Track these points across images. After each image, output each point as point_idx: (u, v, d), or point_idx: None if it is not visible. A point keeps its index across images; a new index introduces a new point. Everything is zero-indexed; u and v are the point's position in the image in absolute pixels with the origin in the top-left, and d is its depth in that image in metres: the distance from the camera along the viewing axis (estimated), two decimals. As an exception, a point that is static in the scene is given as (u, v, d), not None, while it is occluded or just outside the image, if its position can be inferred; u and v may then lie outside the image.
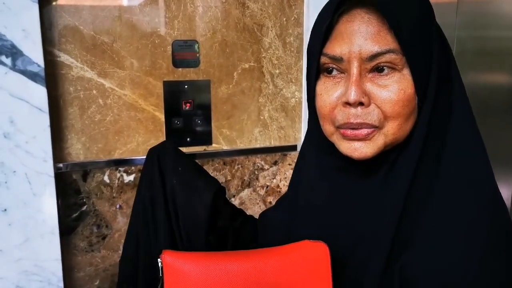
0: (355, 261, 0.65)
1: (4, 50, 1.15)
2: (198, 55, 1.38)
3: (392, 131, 0.61)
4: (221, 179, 1.47)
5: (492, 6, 2.01)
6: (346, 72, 0.62)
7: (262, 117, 1.48)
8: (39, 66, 1.19)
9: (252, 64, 1.44)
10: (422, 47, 0.61)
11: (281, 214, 0.81)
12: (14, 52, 1.16)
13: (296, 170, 0.82)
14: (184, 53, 1.37)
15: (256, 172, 1.51)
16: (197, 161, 1.42)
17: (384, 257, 0.61)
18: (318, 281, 0.61)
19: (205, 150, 1.44)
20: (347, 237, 0.67)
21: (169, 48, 1.35)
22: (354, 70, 0.60)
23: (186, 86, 1.38)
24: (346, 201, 0.68)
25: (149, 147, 1.35)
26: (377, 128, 0.61)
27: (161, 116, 1.37)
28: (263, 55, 1.45)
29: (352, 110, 0.60)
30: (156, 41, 1.34)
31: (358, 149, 0.62)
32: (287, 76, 1.48)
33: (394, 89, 0.60)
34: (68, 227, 1.34)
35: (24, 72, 1.18)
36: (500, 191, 2.19)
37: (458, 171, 0.62)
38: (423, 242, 0.60)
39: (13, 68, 1.16)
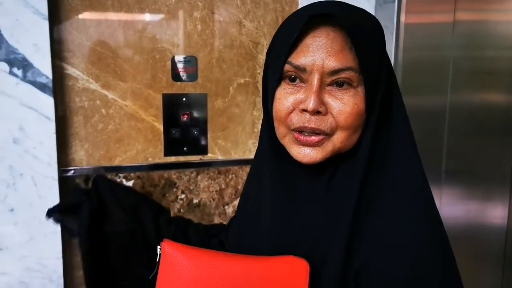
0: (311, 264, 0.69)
1: (16, 63, 1.25)
2: (196, 70, 1.48)
3: (340, 139, 0.67)
4: (215, 188, 1.55)
5: (487, 27, 2.07)
6: (307, 82, 0.66)
7: (256, 130, 1.57)
8: (47, 77, 1.29)
9: (247, 79, 1.54)
10: (375, 69, 0.68)
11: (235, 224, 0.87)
12: (25, 65, 1.26)
13: (248, 180, 0.87)
14: (183, 68, 1.46)
15: (250, 182, 1.59)
16: (193, 169, 1.51)
17: (341, 258, 0.65)
18: None
19: (201, 159, 1.52)
20: (301, 242, 0.70)
21: (169, 63, 1.45)
22: (315, 81, 0.65)
23: (184, 99, 1.48)
24: (295, 204, 0.72)
25: (148, 155, 1.46)
26: (327, 135, 0.67)
27: (160, 127, 1.47)
28: (258, 71, 1.54)
29: (308, 116, 0.66)
30: (157, 56, 1.44)
31: (308, 155, 0.67)
32: (281, 91, 1.57)
33: (349, 103, 0.66)
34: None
35: (34, 83, 1.28)
36: (496, 209, 2.23)
37: (399, 177, 0.69)
38: (372, 245, 0.66)
39: (24, 79, 1.27)
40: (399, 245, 0.65)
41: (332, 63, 0.64)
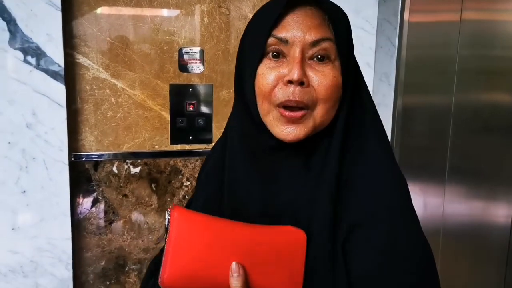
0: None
1: (30, 51, 1.32)
2: (202, 61, 1.53)
3: (320, 113, 0.70)
4: (220, 176, 1.60)
5: (494, 26, 2.09)
6: (289, 56, 0.69)
7: (259, 120, 1.61)
8: (59, 66, 1.35)
9: (252, 71, 1.58)
10: (347, 45, 0.74)
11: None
12: (38, 53, 1.33)
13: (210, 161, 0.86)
14: (189, 59, 1.52)
15: (253, 171, 1.64)
16: (198, 158, 1.56)
17: (328, 230, 0.70)
18: (293, 263, 0.70)
19: (205, 148, 1.57)
20: (286, 217, 0.74)
21: (176, 54, 1.50)
22: (297, 53, 0.68)
23: (190, 89, 1.53)
24: (276, 184, 0.74)
25: (154, 143, 1.52)
26: (308, 109, 0.69)
27: (167, 116, 1.52)
28: (262, 64, 1.59)
29: (292, 88, 0.68)
30: (165, 48, 1.49)
31: (292, 132, 0.70)
32: (284, 83, 1.62)
33: (329, 75, 0.69)
34: (79, 211, 1.49)
35: (47, 71, 1.34)
36: (501, 209, 2.26)
37: (374, 155, 0.75)
38: (355, 212, 0.71)
39: (37, 67, 1.33)
40: (378, 211, 0.71)
41: (312, 35, 0.69)
